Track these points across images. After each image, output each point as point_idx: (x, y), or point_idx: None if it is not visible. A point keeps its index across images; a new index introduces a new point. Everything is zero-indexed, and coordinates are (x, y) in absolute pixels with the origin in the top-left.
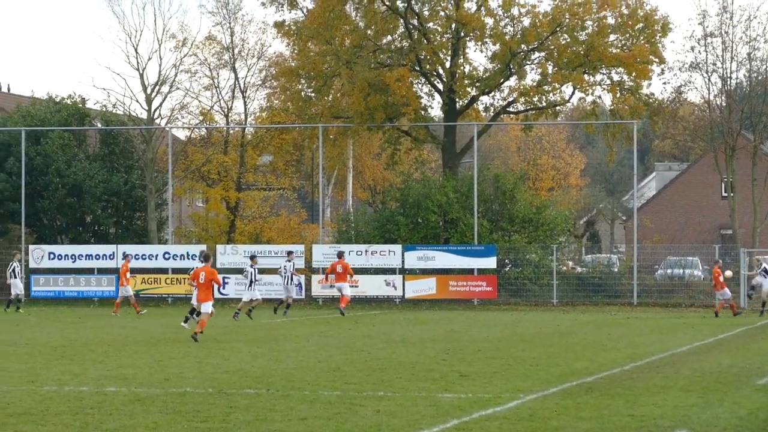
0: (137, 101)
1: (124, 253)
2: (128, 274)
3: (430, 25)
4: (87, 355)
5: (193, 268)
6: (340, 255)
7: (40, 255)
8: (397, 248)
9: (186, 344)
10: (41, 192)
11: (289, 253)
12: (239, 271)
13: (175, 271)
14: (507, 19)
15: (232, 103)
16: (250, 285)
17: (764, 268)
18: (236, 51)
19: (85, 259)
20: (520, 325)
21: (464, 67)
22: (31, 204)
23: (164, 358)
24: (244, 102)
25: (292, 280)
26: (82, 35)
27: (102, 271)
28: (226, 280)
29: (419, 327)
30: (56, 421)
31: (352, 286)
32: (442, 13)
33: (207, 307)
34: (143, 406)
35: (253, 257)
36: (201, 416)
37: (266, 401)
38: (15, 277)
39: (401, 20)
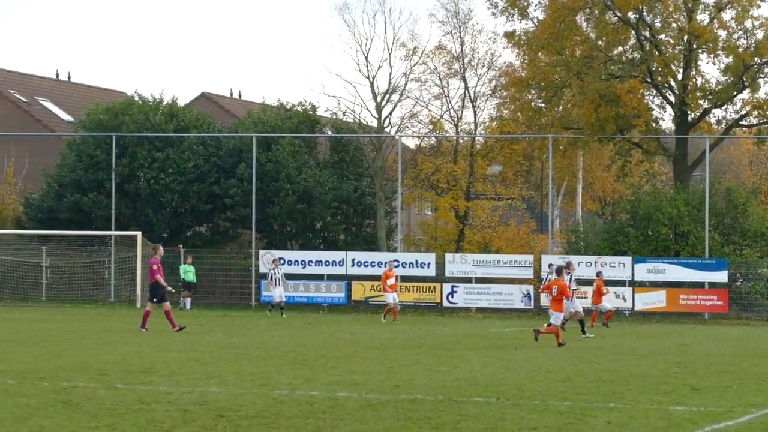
0: (367, 109)
1: (386, 262)
2: (390, 281)
3: (662, 36)
4: (318, 361)
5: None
6: (559, 272)
7: (269, 260)
8: (627, 260)
9: (416, 351)
10: (272, 198)
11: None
12: (467, 280)
13: (405, 279)
14: (740, 32)
15: (462, 112)
16: None
17: None
18: (466, 60)
19: (315, 265)
20: (752, 340)
21: (696, 80)
22: (262, 210)
23: (394, 365)
24: (474, 111)
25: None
26: (313, 43)
27: (331, 277)
28: (454, 289)
29: (649, 340)
30: (288, 424)
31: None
32: (674, 25)
33: (556, 319)
34: (374, 412)
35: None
36: (432, 423)
37: (496, 410)
38: (277, 285)
39: (633, 31)
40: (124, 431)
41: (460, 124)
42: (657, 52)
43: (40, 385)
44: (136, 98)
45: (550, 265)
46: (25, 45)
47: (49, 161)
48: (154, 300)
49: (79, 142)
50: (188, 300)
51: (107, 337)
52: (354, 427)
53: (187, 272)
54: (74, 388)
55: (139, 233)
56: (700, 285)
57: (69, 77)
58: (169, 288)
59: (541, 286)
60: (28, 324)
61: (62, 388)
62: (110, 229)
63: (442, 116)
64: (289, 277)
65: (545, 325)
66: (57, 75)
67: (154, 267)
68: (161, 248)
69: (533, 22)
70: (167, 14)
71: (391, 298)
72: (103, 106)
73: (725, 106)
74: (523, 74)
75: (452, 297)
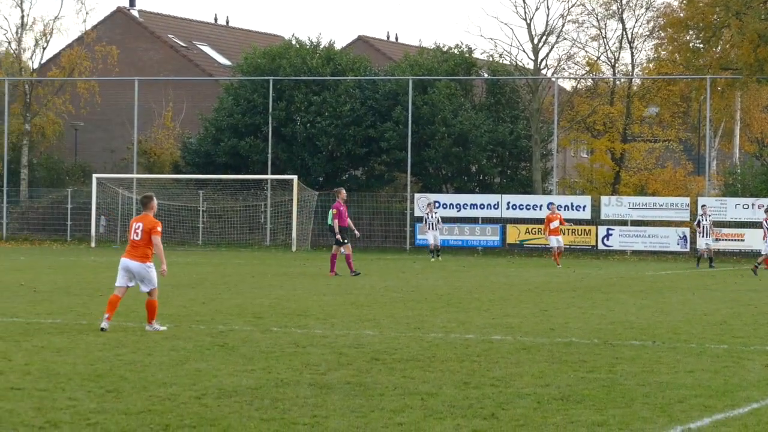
0: (524, 51)
1: (549, 204)
2: (554, 224)
3: None
4: (472, 304)
5: None
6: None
7: (424, 204)
8: None
9: (571, 294)
10: (427, 141)
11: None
12: (623, 223)
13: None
14: None
15: (619, 53)
16: None
17: None
18: (624, 1)
19: (470, 208)
20: None
21: None
22: (417, 153)
23: (549, 308)
24: (632, 53)
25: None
26: None
27: (486, 220)
28: (610, 232)
29: None
30: (443, 367)
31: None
32: None
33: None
34: (529, 355)
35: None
36: (587, 366)
37: (652, 353)
38: (432, 229)
39: None
40: (280, 374)
41: (617, 65)
42: None
43: (196, 329)
44: (294, 42)
45: (702, 206)
46: None
47: (206, 105)
48: (340, 242)
49: (237, 86)
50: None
51: (262, 281)
52: (509, 370)
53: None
54: (230, 332)
55: (295, 177)
56: None
57: (227, 21)
58: (356, 232)
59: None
60: (185, 268)
61: (218, 331)
62: (266, 173)
63: (599, 58)
64: (444, 220)
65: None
66: (215, 19)
67: (333, 211)
68: (343, 191)
69: None
70: None
71: (555, 241)
72: (260, 50)
73: None
74: (682, 15)
75: (607, 240)
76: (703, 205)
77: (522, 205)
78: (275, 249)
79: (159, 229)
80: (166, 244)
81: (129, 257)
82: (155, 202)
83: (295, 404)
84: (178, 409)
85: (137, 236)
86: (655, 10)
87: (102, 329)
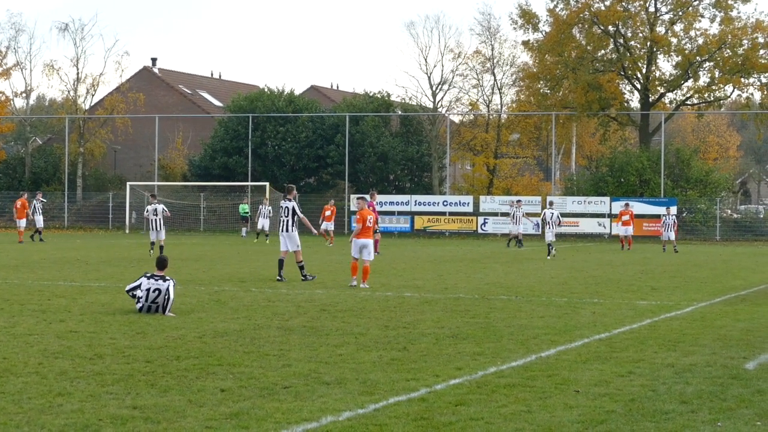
0: (426, 95)
1: (625, 203)
2: (624, 217)
3: (632, 43)
4: (390, 271)
5: None
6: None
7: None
8: (606, 199)
9: (459, 263)
10: (359, 158)
11: (550, 203)
12: (494, 214)
13: (451, 214)
14: (686, 39)
15: (492, 97)
16: None
17: None
18: (495, 61)
19: (389, 204)
20: (693, 254)
21: (656, 72)
22: (352, 166)
23: (444, 273)
24: (500, 96)
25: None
26: (386, 49)
27: (400, 213)
28: (486, 221)
29: (621, 255)
30: (370, 315)
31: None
32: (641, 35)
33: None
34: (429, 306)
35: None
36: (470, 314)
37: (515, 305)
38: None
39: (612, 39)
40: (257, 321)
41: (490, 104)
42: (628, 54)
43: (198, 289)
44: (266, 89)
45: (551, 203)
46: (189, 51)
47: (205, 134)
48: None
49: (226, 120)
50: (244, 230)
51: (245, 256)
52: (415, 317)
53: (243, 208)
54: (222, 291)
55: (267, 184)
56: (658, 216)
57: (220, 75)
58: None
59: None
60: (190, 247)
61: (214, 291)
62: (247, 181)
63: (478, 99)
64: None
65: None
66: (212, 73)
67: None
68: (376, 194)
69: (542, 34)
70: (288, 27)
71: (623, 230)
72: (243, 95)
73: (675, 91)
74: (535, 70)
75: (484, 226)
76: (551, 202)
77: (425, 202)
78: (252, 234)
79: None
80: (177, 231)
81: (362, 237)
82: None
83: (267, 341)
84: (186, 345)
85: (369, 223)
86: (516, 66)
87: (351, 286)
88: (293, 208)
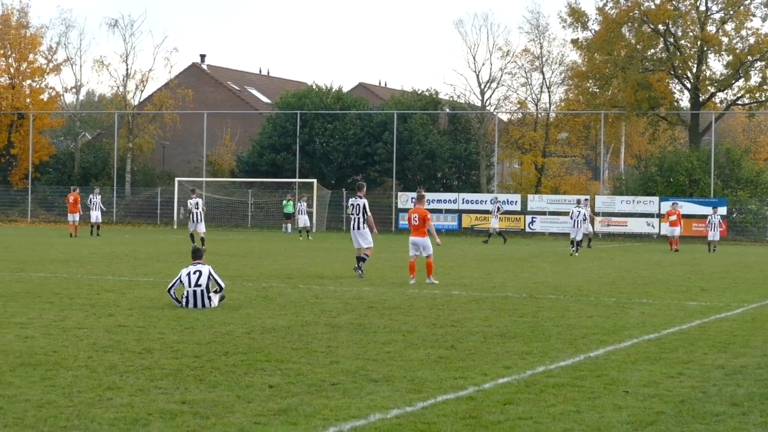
0: (474, 93)
1: (673, 203)
2: (672, 218)
3: (683, 42)
4: (438, 269)
5: None
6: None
7: (405, 199)
8: (655, 199)
9: (507, 262)
10: (407, 156)
11: (578, 201)
12: (543, 213)
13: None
14: (738, 38)
15: (541, 95)
16: None
17: None
18: (544, 59)
19: (436, 202)
20: (743, 255)
21: (706, 72)
22: (399, 164)
23: (491, 272)
24: (549, 95)
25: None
26: (435, 47)
27: (448, 211)
28: (534, 219)
29: (670, 255)
30: (418, 313)
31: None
32: (691, 34)
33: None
34: (477, 305)
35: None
36: (518, 313)
37: (563, 304)
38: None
39: (662, 38)
40: (304, 317)
41: (539, 103)
42: (678, 53)
43: (246, 285)
44: (314, 86)
45: (580, 201)
46: (238, 48)
47: (253, 131)
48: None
49: (275, 117)
50: (289, 226)
51: (292, 253)
52: (463, 315)
53: (287, 206)
54: (270, 287)
55: (314, 180)
56: (707, 217)
57: (268, 72)
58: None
59: None
60: (238, 243)
61: (261, 287)
62: (295, 178)
63: (526, 98)
64: None
65: None
66: (260, 70)
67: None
68: (423, 192)
69: (591, 32)
70: (337, 24)
71: (670, 231)
72: (291, 92)
73: (726, 91)
74: (584, 69)
75: (532, 225)
76: (586, 199)
77: (472, 200)
78: (296, 231)
79: (429, 216)
80: (225, 226)
81: (415, 235)
82: (425, 199)
83: (315, 338)
84: (234, 341)
85: (416, 221)
86: (565, 65)
87: (411, 284)
88: (364, 205)
